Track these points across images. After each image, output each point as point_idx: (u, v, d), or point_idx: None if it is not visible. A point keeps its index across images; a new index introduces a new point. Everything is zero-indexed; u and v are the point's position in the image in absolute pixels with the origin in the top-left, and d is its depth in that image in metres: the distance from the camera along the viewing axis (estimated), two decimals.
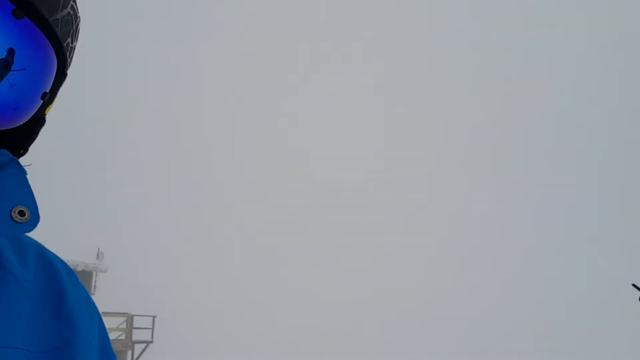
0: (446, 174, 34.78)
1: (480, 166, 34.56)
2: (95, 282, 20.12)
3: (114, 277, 21.78)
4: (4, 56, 0.54)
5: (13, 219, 0.58)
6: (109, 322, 18.02)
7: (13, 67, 0.56)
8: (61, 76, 0.67)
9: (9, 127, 0.61)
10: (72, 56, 0.68)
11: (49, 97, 0.66)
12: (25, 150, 0.72)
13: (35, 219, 0.61)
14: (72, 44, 0.66)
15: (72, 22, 0.64)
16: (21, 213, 0.59)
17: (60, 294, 0.68)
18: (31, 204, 0.61)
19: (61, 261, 0.75)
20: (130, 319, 18.20)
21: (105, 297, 19.86)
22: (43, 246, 0.76)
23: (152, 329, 19.04)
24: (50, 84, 0.64)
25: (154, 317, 19.11)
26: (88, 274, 19.77)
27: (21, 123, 0.62)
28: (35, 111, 0.63)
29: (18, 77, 0.57)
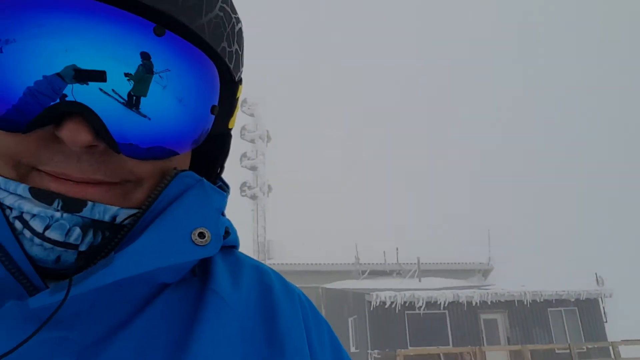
0: None
1: None
2: (604, 309, 19.10)
3: (621, 301, 20.21)
4: (140, 62, 0.51)
5: (193, 242, 0.55)
6: (631, 352, 16.60)
7: (156, 70, 0.52)
8: (230, 84, 0.63)
9: (188, 149, 0.58)
10: (236, 61, 0.63)
11: (225, 109, 0.63)
12: (222, 168, 0.70)
13: (216, 241, 0.57)
14: (229, 48, 0.61)
15: (224, 25, 0.59)
16: (201, 235, 0.56)
17: (273, 315, 0.63)
18: (212, 225, 0.58)
19: (280, 280, 0.70)
20: None
21: (617, 323, 18.57)
22: (262, 266, 0.72)
23: None
24: (216, 96, 0.59)
25: None
26: (593, 302, 18.98)
27: (197, 140, 0.59)
28: (209, 125, 0.60)
29: (181, 93, 0.54)
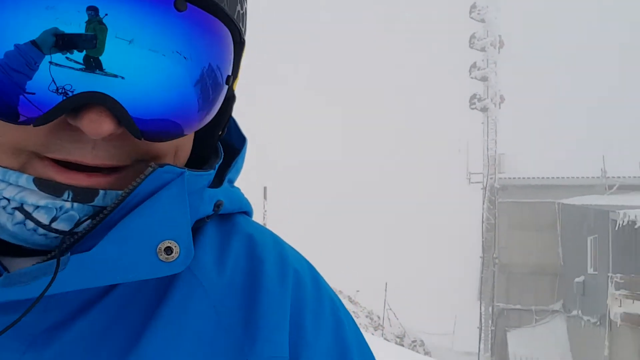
0: None
1: None
2: None
3: None
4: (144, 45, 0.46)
5: (158, 257, 0.49)
6: None
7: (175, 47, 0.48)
8: (239, 47, 0.58)
9: (204, 123, 0.54)
10: (244, 22, 0.59)
11: (234, 72, 0.58)
12: (223, 131, 0.62)
13: (185, 257, 0.50)
14: (242, 10, 0.57)
15: None
16: (168, 250, 0.49)
17: (256, 294, 0.57)
18: (182, 237, 0.50)
19: (277, 251, 0.62)
20: None
21: None
22: (259, 234, 0.63)
23: None
24: (231, 64, 0.56)
25: None
26: None
27: (209, 118, 0.55)
28: (223, 96, 0.56)
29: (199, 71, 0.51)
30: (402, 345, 14.37)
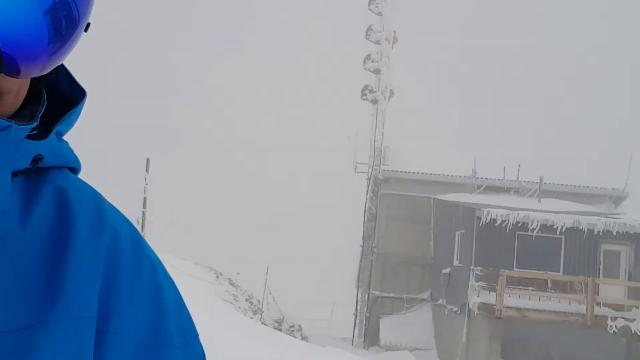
0: None
1: None
2: None
3: None
4: None
5: None
6: None
7: None
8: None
9: (53, 67, 0.51)
10: None
11: None
12: (51, 77, 0.57)
13: None
14: None
15: None
16: None
17: (63, 250, 0.52)
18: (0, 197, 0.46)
19: (95, 207, 0.57)
20: None
21: None
22: (81, 188, 0.58)
23: None
24: (90, 13, 0.53)
25: None
26: None
27: (64, 60, 0.52)
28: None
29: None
30: (280, 330, 14.68)
